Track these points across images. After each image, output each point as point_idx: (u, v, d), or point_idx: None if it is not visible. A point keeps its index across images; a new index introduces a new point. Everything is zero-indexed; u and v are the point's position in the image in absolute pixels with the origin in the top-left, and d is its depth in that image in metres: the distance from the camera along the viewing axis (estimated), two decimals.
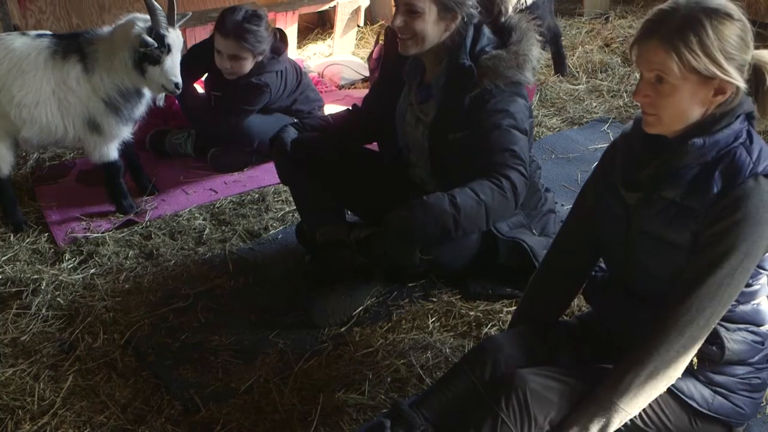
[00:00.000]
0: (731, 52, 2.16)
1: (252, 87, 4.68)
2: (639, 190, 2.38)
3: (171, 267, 3.91)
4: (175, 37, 4.11)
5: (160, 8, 4.02)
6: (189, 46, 5.19)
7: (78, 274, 3.90)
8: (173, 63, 4.12)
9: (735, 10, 2.20)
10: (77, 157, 5.14)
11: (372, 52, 5.76)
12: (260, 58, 4.67)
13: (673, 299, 2.23)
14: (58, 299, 3.71)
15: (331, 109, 5.12)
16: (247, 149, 4.83)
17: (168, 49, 4.06)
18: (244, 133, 4.76)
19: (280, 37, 4.89)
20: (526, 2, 5.09)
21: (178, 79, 4.14)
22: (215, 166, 4.86)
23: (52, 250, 4.15)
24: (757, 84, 2.28)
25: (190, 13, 4.42)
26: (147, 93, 4.32)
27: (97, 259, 4.00)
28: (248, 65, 4.66)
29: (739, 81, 2.19)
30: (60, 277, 3.86)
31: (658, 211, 2.32)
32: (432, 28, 3.21)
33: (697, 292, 2.19)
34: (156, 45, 4.01)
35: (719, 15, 2.16)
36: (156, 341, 3.40)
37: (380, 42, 5.61)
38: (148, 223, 4.32)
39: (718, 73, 2.16)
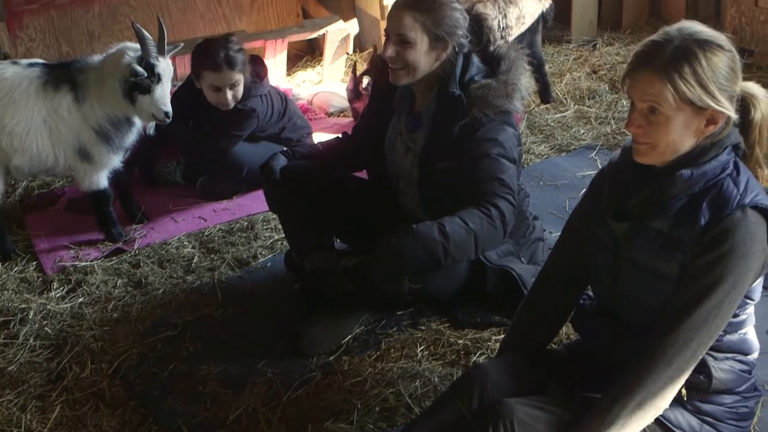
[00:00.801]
0: (723, 82, 2.19)
1: (239, 113, 4.69)
2: (627, 220, 2.39)
3: (160, 296, 3.90)
4: (165, 66, 4.12)
5: (150, 37, 4.04)
6: (179, 72, 5.20)
7: (66, 303, 3.89)
8: (163, 92, 4.12)
9: (725, 41, 2.23)
10: (66, 185, 5.14)
11: (349, 83, 5.77)
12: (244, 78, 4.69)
13: (660, 330, 2.23)
14: (46, 328, 3.70)
15: (320, 136, 5.13)
16: (236, 177, 4.83)
17: (158, 79, 4.07)
18: (234, 161, 4.76)
19: (259, 62, 4.92)
20: (510, 34, 5.14)
21: (168, 108, 4.15)
22: (204, 194, 4.86)
23: (41, 278, 4.14)
24: (744, 115, 2.31)
25: (182, 44, 4.42)
26: (138, 121, 4.32)
27: (85, 287, 4.00)
28: (243, 87, 4.67)
29: (731, 111, 2.21)
30: (48, 306, 3.85)
31: (646, 242, 2.33)
32: (423, 59, 3.23)
33: (684, 323, 2.20)
34: (146, 74, 4.02)
35: (711, 46, 2.19)
36: (144, 371, 3.39)
37: (359, 72, 5.62)
38: (137, 252, 4.32)
39: (712, 103, 2.18)
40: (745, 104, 2.30)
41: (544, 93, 5.75)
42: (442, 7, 3.22)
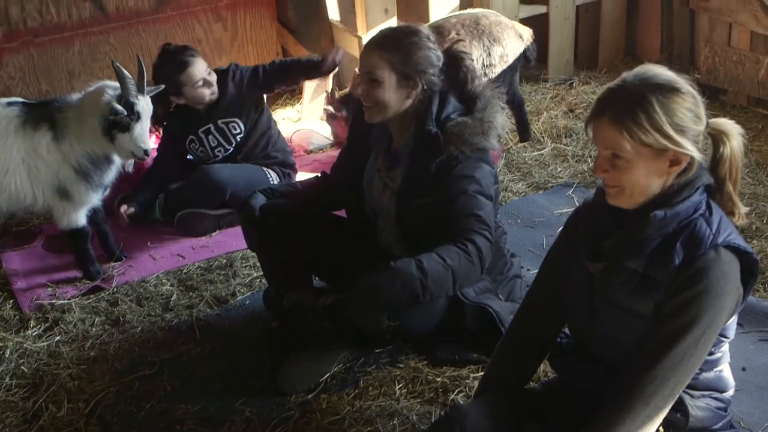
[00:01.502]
0: (681, 124, 2.23)
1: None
2: (602, 260, 2.42)
3: (138, 334, 3.89)
4: (144, 104, 4.15)
5: (130, 76, 4.06)
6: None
7: (43, 341, 3.87)
8: (142, 130, 4.15)
9: (682, 85, 2.27)
10: (44, 222, 5.11)
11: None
12: None
13: (637, 369, 2.25)
14: (22, 367, 3.67)
15: (299, 175, 5.16)
16: (219, 200, 4.84)
17: (137, 117, 4.09)
18: (216, 184, 4.80)
19: None
20: (493, 71, 5.19)
21: (147, 146, 4.18)
22: (181, 230, 4.86)
23: (17, 317, 4.12)
24: (715, 151, 2.34)
25: (163, 86, 4.45)
26: (117, 159, 4.33)
27: (62, 326, 3.98)
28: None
29: (693, 151, 2.25)
30: (24, 345, 3.83)
31: (622, 282, 2.36)
32: (392, 96, 3.27)
33: (662, 362, 2.22)
34: (125, 113, 4.04)
35: (665, 90, 2.24)
36: (121, 410, 3.37)
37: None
38: (115, 290, 4.30)
39: (670, 145, 2.22)
40: (714, 141, 2.35)
41: (523, 131, 5.79)
42: (410, 46, 3.27)
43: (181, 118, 5.00)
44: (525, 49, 5.46)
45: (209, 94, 4.85)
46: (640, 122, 2.22)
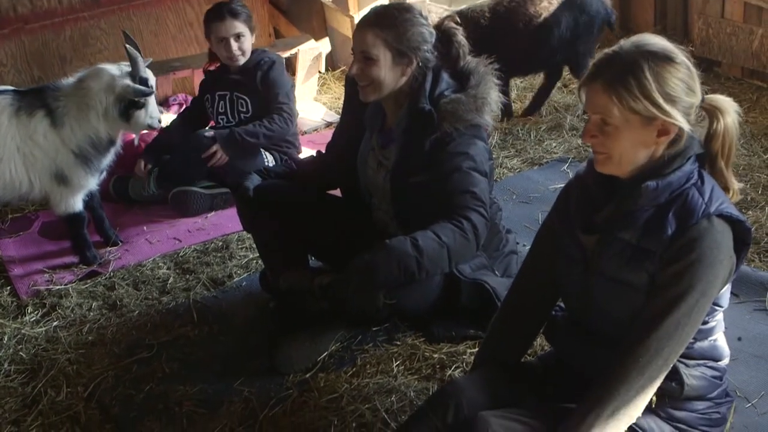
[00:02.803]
0: (672, 94, 2.22)
1: (270, 72, 4.93)
2: (595, 233, 2.42)
3: (135, 317, 3.90)
4: (151, 76, 4.25)
5: (139, 54, 4.16)
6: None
7: (41, 327, 3.88)
8: (154, 102, 4.28)
9: (677, 55, 2.26)
10: (40, 209, 5.12)
11: None
12: (253, 37, 4.95)
13: (632, 339, 2.25)
14: (21, 353, 3.68)
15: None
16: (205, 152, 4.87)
17: (151, 92, 4.20)
18: (201, 139, 4.88)
19: None
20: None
21: (159, 114, 4.35)
22: (175, 207, 4.87)
23: (15, 303, 4.13)
24: (709, 126, 2.34)
25: (151, 59, 4.46)
26: (118, 142, 4.36)
27: (60, 311, 3.98)
28: (250, 43, 4.93)
29: (682, 122, 2.24)
30: (22, 331, 3.83)
31: (615, 253, 2.36)
32: (388, 74, 3.26)
33: (655, 332, 2.22)
34: (152, 91, 4.18)
35: (659, 58, 2.24)
36: (120, 393, 3.38)
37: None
38: (112, 274, 4.31)
39: (659, 114, 2.22)
40: (709, 116, 2.34)
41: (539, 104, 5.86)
42: (404, 23, 3.25)
43: (212, 75, 5.13)
44: (608, 16, 5.52)
45: (225, 56, 4.90)
46: (631, 88, 2.22)
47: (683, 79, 2.25)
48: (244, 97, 4.98)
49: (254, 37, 4.97)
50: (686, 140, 2.29)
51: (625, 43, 2.31)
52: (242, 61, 4.92)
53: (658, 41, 2.29)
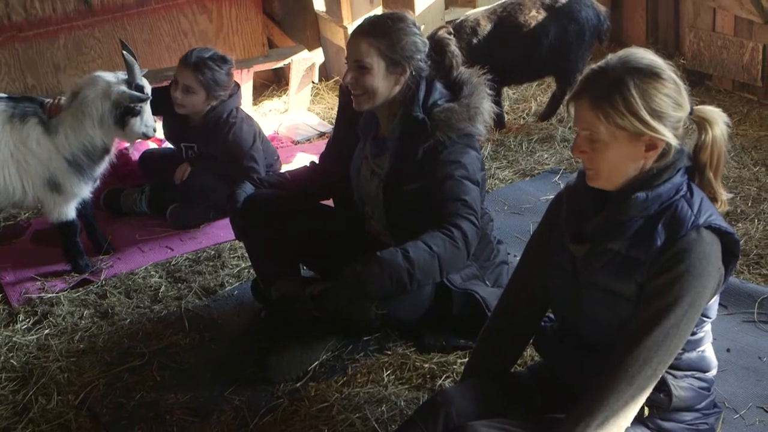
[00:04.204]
0: (658, 110, 2.25)
1: (229, 135, 4.73)
2: (585, 243, 2.44)
3: (126, 326, 3.90)
4: (147, 83, 4.26)
5: (136, 62, 4.17)
6: None
7: (32, 334, 3.88)
8: (149, 110, 4.27)
9: (664, 70, 2.28)
10: (32, 217, 5.12)
11: None
12: (214, 102, 4.72)
13: (620, 350, 2.26)
14: (12, 361, 3.68)
15: (287, 166, 5.17)
16: (203, 203, 4.85)
17: (147, 98, 4.20)
18: (199, 193, 4.83)
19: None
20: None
21: (153, 124, 4.32)
22: (174, 222, 4.86)
23: (6, 311, 4.13)
24: (697, 138, 2.36)
25: (147, 70, 4.46)
26: (112, 151, 4.36)
27: (51, 319, 3.98)
28: (198, 102, 4.70)
29: (669, 137, 2.26)
30: (14, 338, 3.83)
31: (604, 263, 2.38)
32: (381, 83, 3.28)
33: (644, 342, 2.23)
34: (148, 96, 4.17)
35: (644, 75, 2.26)
36: (111, 401, 3.38)
37: None
38: (104, 282, 4.31)
39: (646, 130, 2.24)
40: (698, 128, 2.36)
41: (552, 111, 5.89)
42: (397, 33, 3.28)
43: (176, 118, 4.91)
44: (600, 26, 5.54)
45: (174, 98, 4.70)
46: (616, 105, 2.24)
47: (669, 95, 2.27)
48: (210, 152, 4.86)
49: (211, 100, 4.73)
50: (675, 153, 2.31)
51: (612, 58, 2.33)
52: (182, 112, 4.74)
53: (645, 56, 2.31)
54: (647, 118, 2.24)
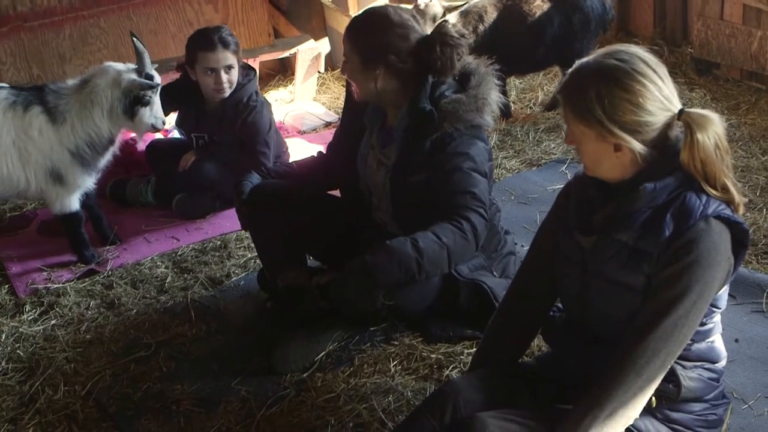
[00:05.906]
0: (615, 115, 2.25)
1: (249, 117, 4.75)
2: (593, 234, 2.42)
3: (133, 316, 3.90)
4: (156, 74, 4.25)
5: (144, 49, 4.16)
6: None
7: (38, 325, 3.88)
8: (158, 102, 4.25)
9: (632, 74, 2.25)
10: (38, 207, 5.12)
11: None
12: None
13: (629, 341, 2.25)
14: (18, 351, 3.68)
15: (293, 155, 5.16)
16: (209, 194, 4.84)
17: (157, 89, 4.19)
18: (206, 184, 4.81)
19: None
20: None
21: (163, 116, 4.31)
22: (181, 212, 4.85)
23: (13, 301, 4.13)
24: (684, 138, 2.30)
25: (156, 65, 4.45)
26: (116, 142, 4.35)
27: (58, 309, 3.98)
28: (237, 75, 4.76)
29: (631, 142, 2.26)
30: (20, 329, 3.83)
31: (613, 254, 2.36)
32: (359, 77, 3.34)
33: (653, 333, 2.22)
34: (158, 83, 4.16)
35: (608, 80, 2.26)
36: (117, 392, 3.39)
37: None
38: (110, 273, 4.31)
39: (606, 134, 2.26)
40: (686, 128, 2.28)
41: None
42: (375, 29, 3.29)
43: (188, 110, 4.95)
44: (605, 16, 5.52)
45: (212, 87, 4.70)
46: (579, 108, 2.29)
47: (631, 101, 2.24)
48: (222, 139, 4.86)
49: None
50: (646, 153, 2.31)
51: (590, 58, 2.34)
52: (228, 93, 4.74)
53: (622, 56, 2.28)
54: (606, 123, 2.25)
